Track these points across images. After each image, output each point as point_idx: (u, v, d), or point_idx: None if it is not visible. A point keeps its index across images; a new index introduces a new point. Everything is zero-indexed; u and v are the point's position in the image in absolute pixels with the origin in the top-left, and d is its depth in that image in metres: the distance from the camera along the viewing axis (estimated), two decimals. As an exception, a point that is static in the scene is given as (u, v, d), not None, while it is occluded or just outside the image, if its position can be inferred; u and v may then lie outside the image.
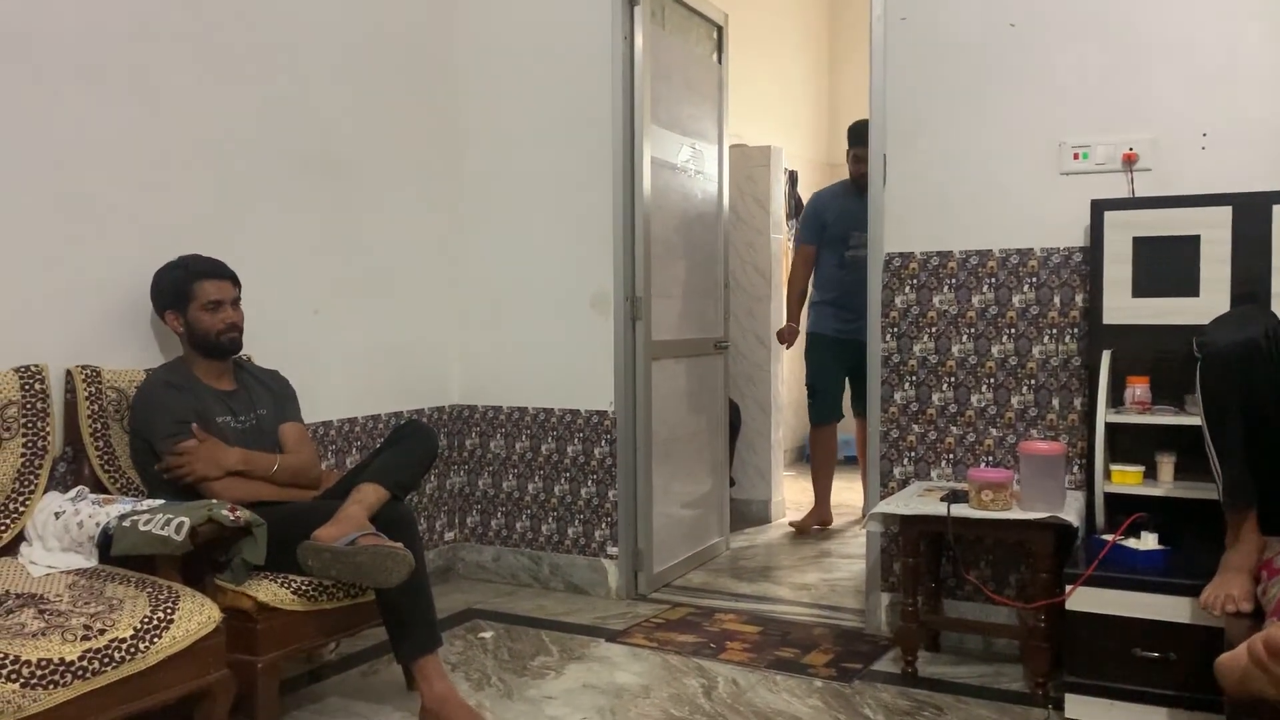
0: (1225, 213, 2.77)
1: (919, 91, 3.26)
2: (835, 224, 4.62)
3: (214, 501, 2.40)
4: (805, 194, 6.42)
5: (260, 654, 2.43)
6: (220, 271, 2.78)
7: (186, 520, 2.28)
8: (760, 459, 5.15)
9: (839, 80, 6.79)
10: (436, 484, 4.04)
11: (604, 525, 3.85)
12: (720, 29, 4.40)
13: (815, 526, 4.85)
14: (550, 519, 3.96)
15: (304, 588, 2.50)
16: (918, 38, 3.26)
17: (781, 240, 5.40)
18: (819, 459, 4.89)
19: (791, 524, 4.91)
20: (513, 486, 4.03)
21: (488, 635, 3.39)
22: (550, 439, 3.94)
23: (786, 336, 4.86)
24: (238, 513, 2.39)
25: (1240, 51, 2.87)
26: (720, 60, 4.43)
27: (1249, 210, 2.75)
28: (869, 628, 3.39)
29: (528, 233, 3.95)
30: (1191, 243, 2.81)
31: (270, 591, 2.46)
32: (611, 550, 3.84)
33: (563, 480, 3.93)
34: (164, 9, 2.94)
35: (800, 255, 4.80)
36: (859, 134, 4.28)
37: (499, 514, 4.06)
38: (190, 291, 2.73)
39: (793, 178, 6.15)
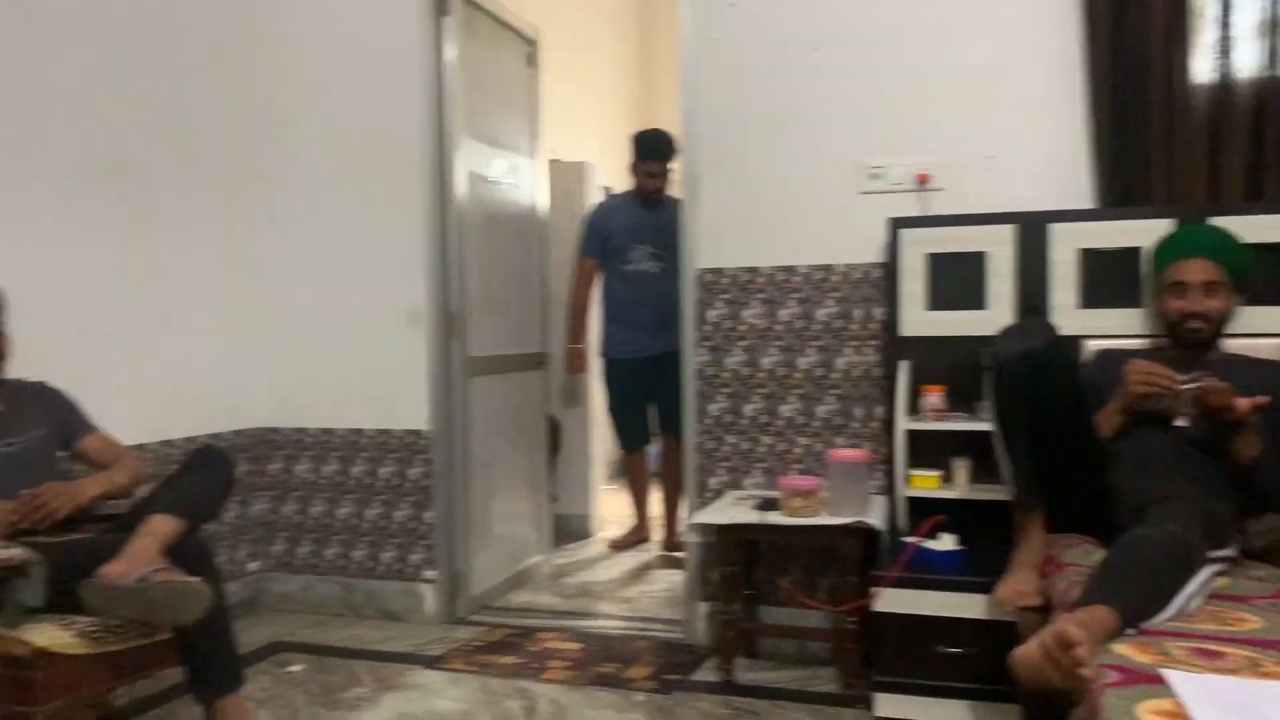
0: (1009, 231, 2.96)
1: (729, 112, 3.34)
2: (618, 237, 4.45)
3: (-20, 540, 2.18)
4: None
5: (39, 704, 2.21)
6: None
7: (-53, 563, 2.05)
8: (580, 473, 5.14)
9: (653, 98, 6.89)
10: (238, 512, 3.82)
11: (420, 548, 3.74)
12: (533, 43, 4.39)
13: (636, 541, 4.83)
14: (363, 544, 3.82)
15: (90, 629, 2.29)
16: (726, 59, 3.33)
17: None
18: (634, 482, 4.83)
19: (611, 543, 4.85)
20: (321, 511, 3.86)
21: (297, 669, 3.22)
22: (361, 460, 3.80)
23: (572, 361, 4.63)
24: (11, 551, 2.17)
25: (1021, 80, 3.07)
26: (534, 74, 4.41)
27: (1030, 229, 2.94)
28: (689, 638, 3.43)
29: (335, 247, 3.80)
30: (979, 259, 2.99)
31: (50, 635, 2.24)
32: (428, 574, 3.73)
33: (376, 503, 3.79)
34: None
35: (581, 270, 4.57)
36: (652, 148, 4.39)
37: (307, 541, 3.88)
38: None
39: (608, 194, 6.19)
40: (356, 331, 3.78)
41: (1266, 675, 1.45)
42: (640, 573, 4.39)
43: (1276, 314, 2.72)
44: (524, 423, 4.29)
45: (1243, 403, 2.25)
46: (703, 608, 3.40)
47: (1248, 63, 2.89)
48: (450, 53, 3.68)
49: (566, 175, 5.20)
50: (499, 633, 3.56)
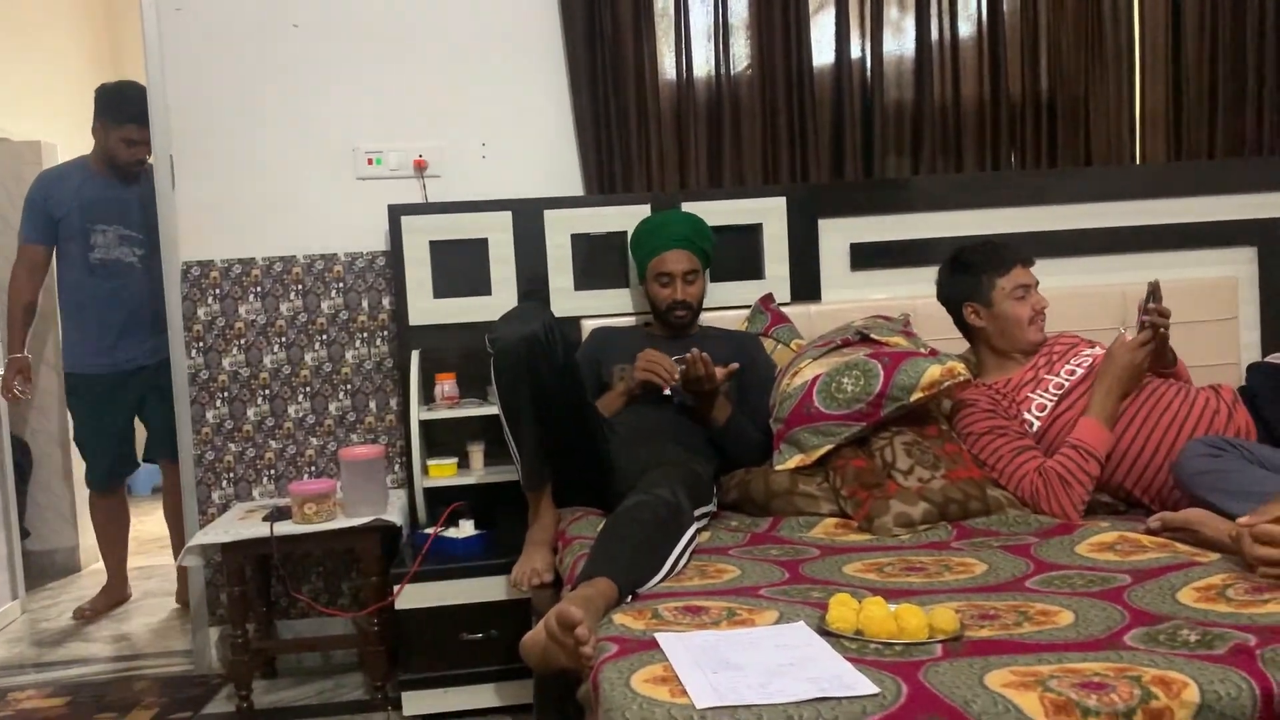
0: (506, 217, 3.02)
1: (204, 89, 3.05)
2: (73, 216, 3.51)
3: None
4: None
5: None
6: None
7: None
8: (59, 501, 4.47)
9: (124, 71, 6.16)
10: None
11: None
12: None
13: (113, 604, 3.86)
14: None
15: None
16: (196, 31, 3.04)
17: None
18: (109, 530, 3.85)
19: (79, 612, 3.78)
20: None
21: None
22: None
23: (11, 378, 3.59)
24: None
25: (511, 71, 3.13)
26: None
27: (526, 215, 3.02)
28: (199, 668, 3.12)
29: None
30: (481, 245, 3.02)
31: None
32: None
33: None
34: None
35: (23, 259, 3.59)
36: (132, 109, 3.38)
37: None
38: None
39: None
40: None
41: (741, 623, 1.59)
42: (141, 602, 3.92)
43: (738, 288, 3.05)
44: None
45: (719, 371, 2.49)
46: (214, 633, 3.11)
47: (701, 61, 3.19)
48: None
49: (21, 156, 4.47)
50: (-42, 704, 2.99)
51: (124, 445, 3.75)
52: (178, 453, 3.18)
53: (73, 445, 4.50)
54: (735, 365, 2.55)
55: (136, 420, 3.73)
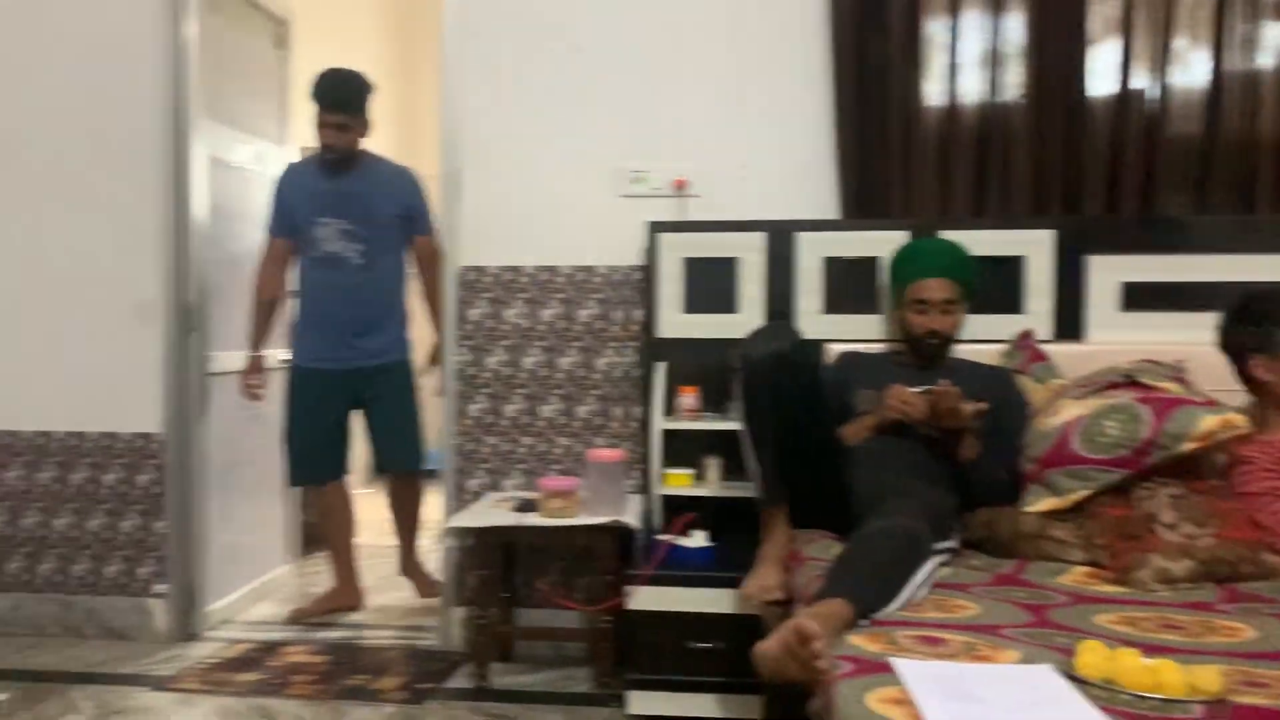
0: (760, 238, 3.07)
1: (493, 108, 3.28)
2: (301, 209, 3.49)
3: None
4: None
5: None
6: None
7: None
8: (333, 478, 4.89)
9: (415, 88, 6.70)
10: (6, 520, 3.40)
11: (149, 561, 3.45)
12: (284, 23, 4.15)
13: (334, 609, 3.70)
14: (84, 558, 3.48)
15: None
16: (490, 55, 3.28)
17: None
18: (329, 528, 3.72)
19: (295, 613, 3.66)
20: (36, 523, 3.49)
21: (3, 698, 2.89)
22: (83, 466, 3.47)
23: (248, 376, 3.56)
24: None
25: (771, 96, 3.19)
26: (286, 57, 4.17)
27: (778, 236, 3.06)
28: (443, 644, 3.34)
29: (54, 235, 3.45)
30: (732, 264, 3.08)
31: None
32: (159, 588, 3.45)
33: (99, 513, 3.47)
34: None
35: (267, 253, 3.57)
36: (330, 94, 3.42)
37: (19, 555, 3.50)
38: None
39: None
40: (79, 326, 3.44)
41: (979, 658, 1.55)
42: (395, 578, 4.24)
43: (995, 321, 2.95)
44: (270, 424, 4.05)
45: (967, 409, 2.42)
46: (458, 612, 3.32)
47: (971, 89, 3.12)
48: (190, 29, 3.41)
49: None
50: (238, 649, 3.34)
51: (329, 448, 3.61)
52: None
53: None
54: (985, 405, 2.47)
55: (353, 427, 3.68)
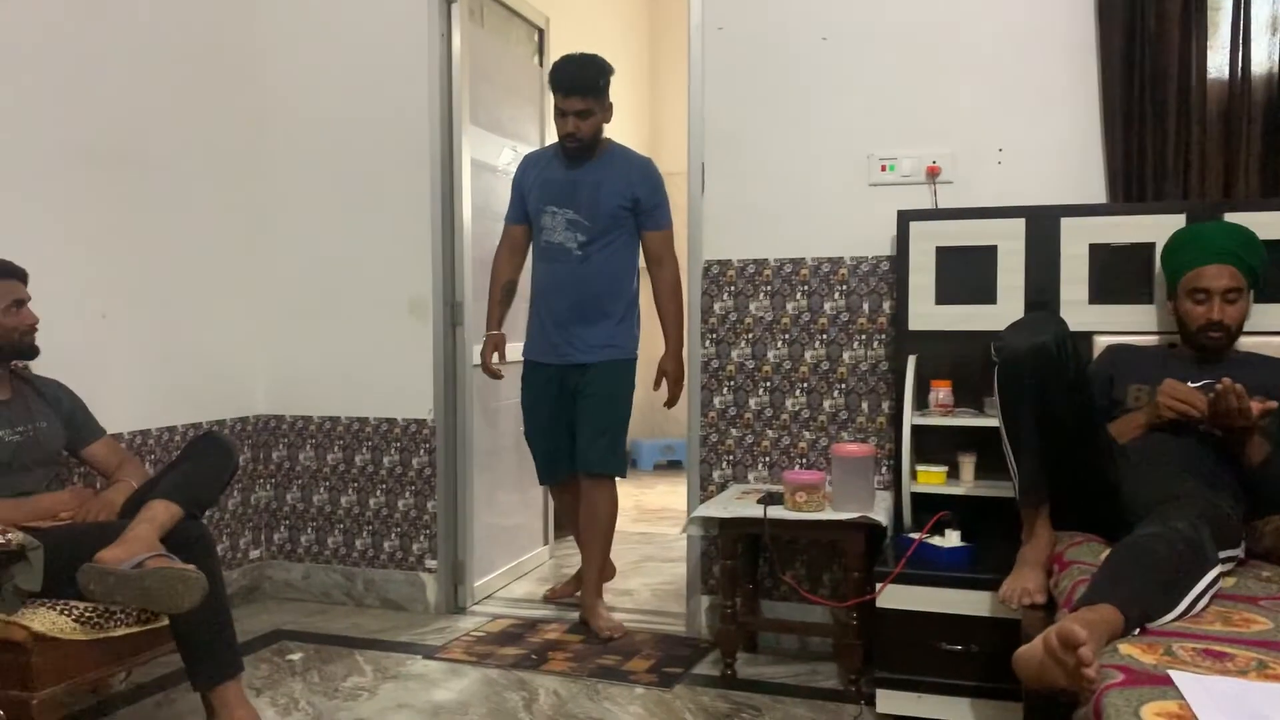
0: (1019, 224, 2.93)
1: (736, 101, 3.31)
2: (534, 196, 3.43)
3: (-22, 525, 2.17)
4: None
5: (36, 689, 2.20)
6: (6, 270, 2.55)
7: (-55, 546, 2.04)
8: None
9: (661, 86, 6.86)
10: (240, 499, 3.81)
11: (422, 538, 3.73)
12: (541, 31, 4.36)
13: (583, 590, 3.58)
14: (365, 533, 3.80)
15: (87, 614, 2.28)
16: (735, 48, 3.30)
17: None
18: (576, 521, 3.60)
19: (550, 593, 3.83)
20: (324, 500, 3.85)
21: (296, 657, 3.22)
22: (365, 449, 3.79)
23: (486, 354, 3.55)
24: (9, 535, 2.17)
25: (1031, 72, 3.04)
26: (541, 63, 4.38)
27: (1040, 222, 2.91)
28: (690, 631, 3.41)
29: (339, 234, 3.78)
30: (989, 253, 2.95)
31: (48, 620, 2.23)
32: (430, 564, 3.72)
33: (378, 492, 3.78)
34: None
35: (504, 238, 3.59)
36: (566, 79, 3.30)
37: (309, 529, 3.87)
38: None
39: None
40: (361, 320, 3.76)
41: (1273, 677, 1.42)
42: (641, 564, 4.37)
43: (1288, 312, 2.68)
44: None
45: (1255, 407, 2.22)
46: (704, 601, 3.38)
47: (1261, 58, 2.85)
48: (458, 40, 3.65)
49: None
50: (500, 624, 3.54)
51: (551, 442, 3.53)
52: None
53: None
54: (1275, 404, 2.25)
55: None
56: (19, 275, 2.58)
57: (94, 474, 2.88)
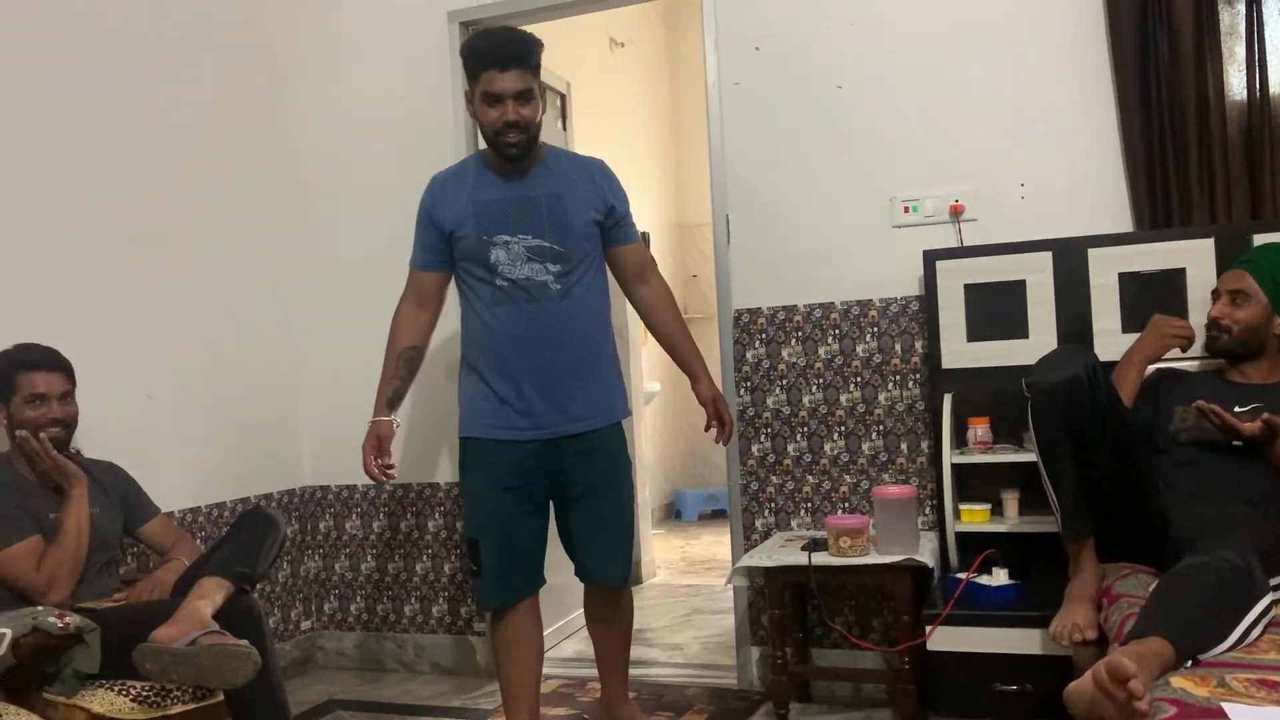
0: (1046, 258, 2.93)
1: (756, 152, 3.36)
2: (467, 226, 2.56)
3: (39, 609, 2.22)
4: (658, 255, 6.52)
5: (97, 770, 2.24)
6: (50, 363, 2.62)
7: (8, 632, 2.09)
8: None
9: (684, 142, 6.95)
10: (289, 571, 3.86)
11: (469, 601, 3.74)
12: (563, 97, 4.46)
13: None
14: (413, 599, 3.83)
15: (145, 693, 2.32)
16: (751, 102, 3.36)
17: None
18: (509, 661, 2.68)
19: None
20: (371, 568, 3.89)
21: (351, 727, 3.24)
22: (409, 515, 3.83)
23: (367, 451, 2.69)
24: (66, 619, 2.21)
25: (1051, 105, 3.06)
26: (565, 127, 4.47)
27: (1067, 254, 2.91)
28: (742, 683, 3.38)
29: (375, 307, 3.84)
30: (1018, 287, 2.96)
31: (107, 701, 2.27)
32: (478, 626, 3.73)
33: (424, 557, 3.81)
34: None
35: (409, 290, 2.76)
36: (513, 48, 2.49)
37: (358, 598, 3.91)
38: (13, 383, 2.57)
39: (645, 239, 6.22)
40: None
41: (1332, 706, 1.40)
42: (691, 617, 4.35)
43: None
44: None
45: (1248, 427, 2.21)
46: (755, 652, 3.36)
47: (1279, 78, 2.85)
48: (481, 110, 3.73)
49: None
50: (550, 684, 3.54)
51: (517, 546, 2.63)
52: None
53: (639, 468, 5.10)
54: (1267, 417, 2.24)
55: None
56: (51, 367, 2.61)
57: (148, 552, 2.94)
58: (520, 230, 2.55)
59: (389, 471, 2.71)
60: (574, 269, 2.59)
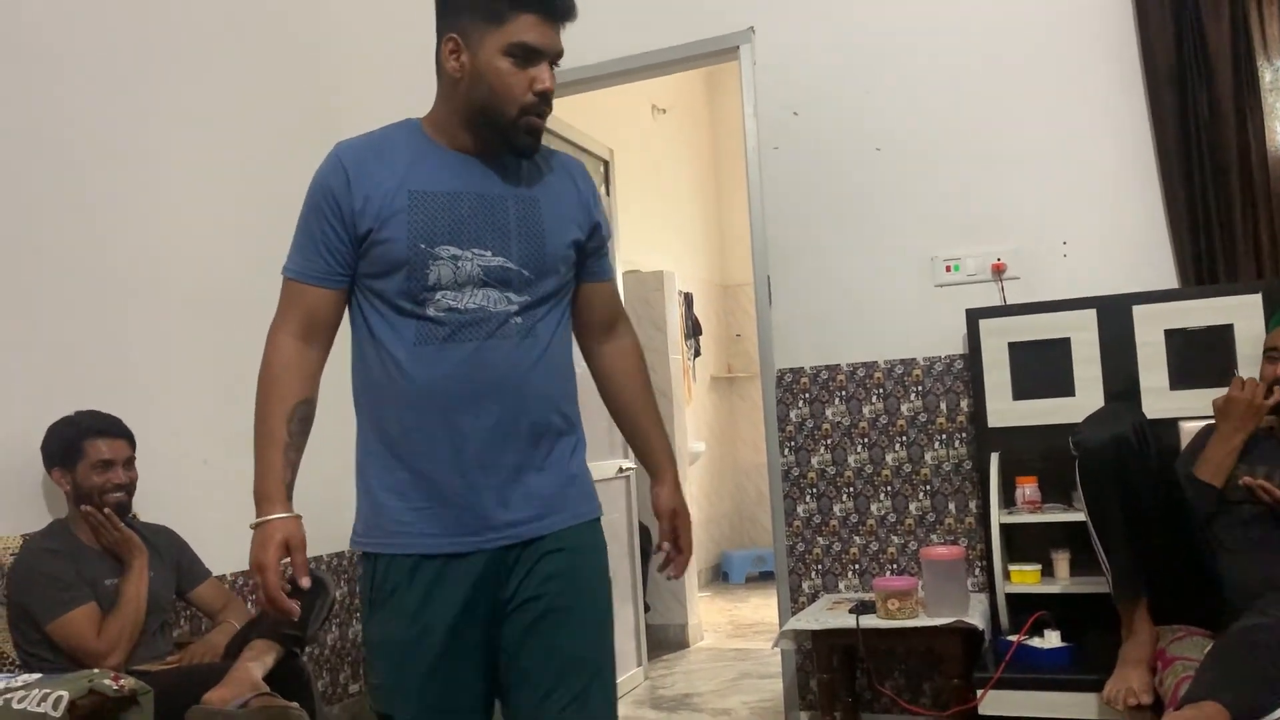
0: (1090, 315, 2.92)
1: (797, 214, 3.40)
2: (398, 227, 1.68)
3: (95, 671, 2.27)
4: (702, 316, 6.56)
5: (149, 833, 2.26)
6: (115, 430, 2.70)
7: (65, 694, 2.13)
8: (674, 581, 5.10)
9: (727, 204, 7.03)
10: (338, 634, 3.88)
11: (516, 663, 3.73)
12: (607, 163, 4.54)
13: None
14: (460, 661, 3.82)
15: (196, 756, 2.35)
16: (791, 165, 3.41)
17: (680, 360, 5.47)
18: None
19: None
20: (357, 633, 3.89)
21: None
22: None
23: (269, 560, 1.79)
24: (121, 681, 2.25)
25: (1089, 162, 3.07)
26: (609, 192, 4.55)
27: (1112, 312, 2.90)
28: (791, 750, 3.34)
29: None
30: (1063, 345, 2.95)
31: (158, 764, 2.30)
32: (525, 689, 3.71)
33: (471, 619, 3.81)
34: (31, 156, 2.90)
35: (288, 313, 1.90)
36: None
37: (346, 666, 3.91)
38: (80, 449, 2.64)
39: (688, 299, 6.28)
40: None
41: (1397, 774, 1.36)
42: (739, 681, 4.30)
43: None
44: (612, 532, 4.30)
45: None
46: (804, 717, 3.31)
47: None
48: (526, 177, 3.81)
49: (645, 284, 5.30)
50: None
51: (462, 709, 1.71)
52: None
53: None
54: None
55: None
56: (114, 433, 2.68)
57: (200, 615, 2.99)
58: (476, 242, 1.67)
59: (304, 584, 1.79)
60: (542, 303, 1.72)
